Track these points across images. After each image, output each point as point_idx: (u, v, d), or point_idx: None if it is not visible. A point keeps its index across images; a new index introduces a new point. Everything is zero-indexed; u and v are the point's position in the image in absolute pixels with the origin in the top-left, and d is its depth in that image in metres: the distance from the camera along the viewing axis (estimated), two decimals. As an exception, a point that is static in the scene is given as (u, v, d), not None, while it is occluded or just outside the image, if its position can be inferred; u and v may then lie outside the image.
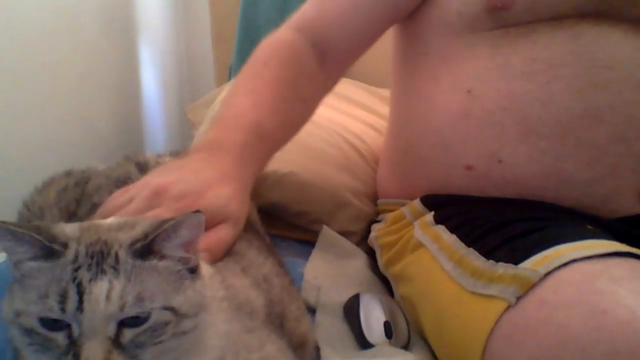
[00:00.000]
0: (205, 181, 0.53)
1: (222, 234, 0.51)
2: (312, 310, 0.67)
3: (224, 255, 0.51)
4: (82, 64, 1.09)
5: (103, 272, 0.36)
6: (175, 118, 1.56)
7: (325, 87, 0.76)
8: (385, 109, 0.98)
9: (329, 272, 0.75)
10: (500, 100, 0.64)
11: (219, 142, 0.58)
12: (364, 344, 0.62)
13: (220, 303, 0.43)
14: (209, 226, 0.50)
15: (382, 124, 1.02)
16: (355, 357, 0.60)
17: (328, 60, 0.73)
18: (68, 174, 0.68)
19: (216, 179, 0.53)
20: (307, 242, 0.84)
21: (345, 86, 1.17)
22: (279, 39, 0.72)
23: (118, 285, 0.35)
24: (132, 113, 1.33)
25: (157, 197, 0.50)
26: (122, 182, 0.60)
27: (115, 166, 0.66)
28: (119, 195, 0.53)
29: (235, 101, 0.65)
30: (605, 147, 0.60)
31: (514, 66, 0.63)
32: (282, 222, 0.86)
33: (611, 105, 0.60)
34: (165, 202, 0.50)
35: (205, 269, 0.43)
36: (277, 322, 0.52)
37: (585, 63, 0.60)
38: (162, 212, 0.48)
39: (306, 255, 0.79)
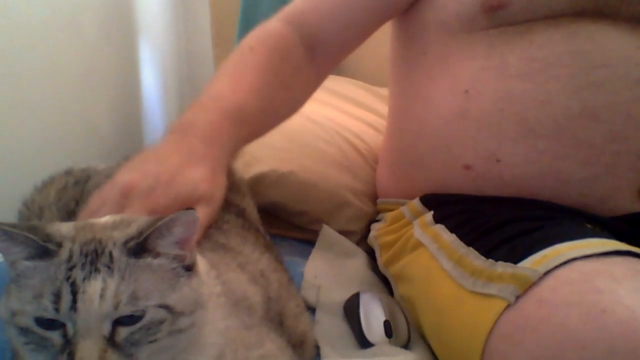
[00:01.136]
0: (172, 168, 0.52)
1: None
2: (312, 310, 0.67)
3: (202, 236, 0.51)
4: (82, 64, 1.09)
5: (97, 271, 0.36)
6: (175, 118, 1.56)
7: (314, 80, 0.75)
8: (384, 108, 0.98)
9: (329, 272, 0.75)
10: (498, 100, 0.64)
11: (191, 123, 0.57)
12: (364, 343, 0.62)
13: (218, 299, 0.43)
14: None
15: (382, 123, 1.02)
16: (355, 356, 0.60)
17: (318, 54, 0.73)
18: (68, 172, 0.68)
19: (183, 163, 0.53)
20: (307, 241, 0.84)
21: (344, 85, 1.17)
22: (266, 29, 0.72)
23: (112, 283, 0.35)
24: (132, 113, 1.33)
25: (126, 197, 0.50)
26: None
27: (115, 166, 0.66)
28: (95, 200, 0.52)
29: (216, 84, 0.64)
30: (603, 146, 0.60)
31: (511, 66, 0.63)
32: (282, 221, 0.86)
33: (608, 104, 0.59)
34: (135, 201, 0.49)
35: (202, 265, 0.43)
36: (276, 319, 0.52)
37: (582, 62, 0.60)
38: (134, 213, 0.47)
39: (306, 255, 0.79)
